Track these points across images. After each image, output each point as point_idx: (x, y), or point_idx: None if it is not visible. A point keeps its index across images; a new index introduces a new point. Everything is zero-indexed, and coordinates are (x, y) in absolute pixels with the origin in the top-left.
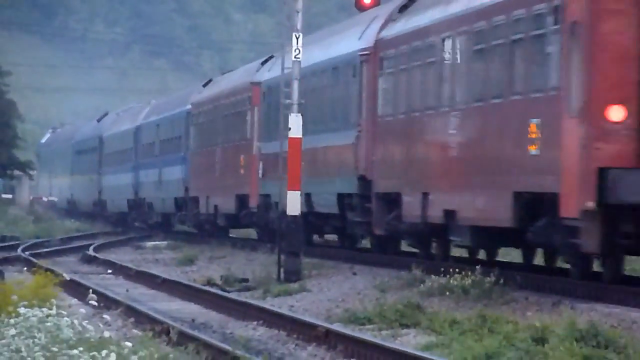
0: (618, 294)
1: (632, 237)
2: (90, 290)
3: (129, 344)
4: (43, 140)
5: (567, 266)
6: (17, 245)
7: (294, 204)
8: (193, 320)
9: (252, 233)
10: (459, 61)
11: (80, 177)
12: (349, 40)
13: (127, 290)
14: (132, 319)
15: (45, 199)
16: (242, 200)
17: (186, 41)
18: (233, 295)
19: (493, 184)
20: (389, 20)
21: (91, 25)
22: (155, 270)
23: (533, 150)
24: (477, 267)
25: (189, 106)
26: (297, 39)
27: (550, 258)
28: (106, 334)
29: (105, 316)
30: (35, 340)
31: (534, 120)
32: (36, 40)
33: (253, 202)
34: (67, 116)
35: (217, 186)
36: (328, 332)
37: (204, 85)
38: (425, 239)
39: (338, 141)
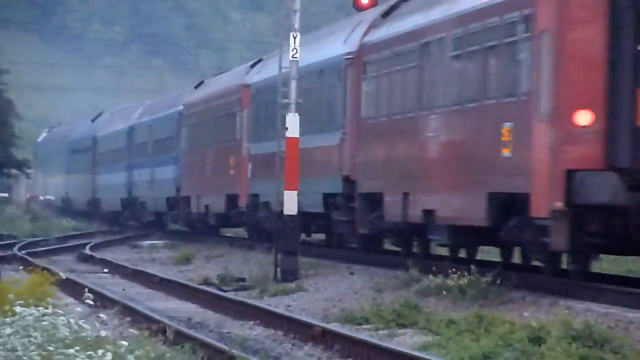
0: (614, 294)
1: (598, 235)
2: (87, 289)
3: (125, 343)
4: (40, 139)
5: (563, 265)
6: (14, 244)
7: (291, 203)
8: (189, 320)
9: (242, 232)
10: (437, 66)
11: (75, 176)
12: (335, 44)
13: (123, 289)
14: (128, 318)
15: (42, 197)
16: (232, 199)
17: (184, 40)
18: (230, 295)
19: (469, 184)
20: (373, 25)
21: (89, 24)
22: (151, 269)
23: (506, 152)
24: (472, 266)
25: (181, 107)
26: (294, 38)
27: (525, 256)
28: (102, 333)
29: (101, 315)
30: (31, 339)
31: (507, 123)
32: (34, 39)
33: (242, 202)
34: (65, 115)
35: (207, 186)
36: (325, 332)
37: (196, 87)
38: (406, 238)
39: (324, 142)
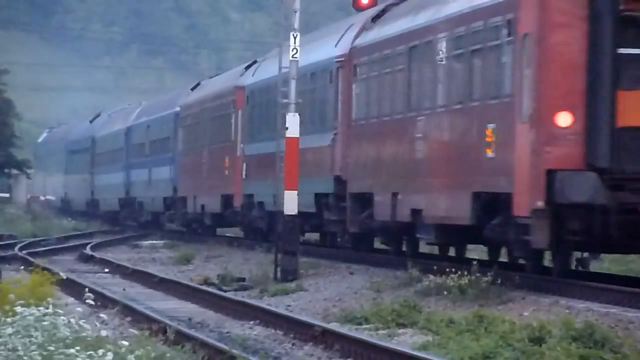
0: (615, 294)
1: (578, 233)
2: (87, 289)
3: (125, 343)
4: (40, 140)
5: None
6: (14, 244)
7: (291, 203)
8: (190, 320)
9: (241, 232)
10: (424, 69)
11: (73, 177)
12: (326, 47)
13: (124, 289)
14: (128, 318)
15: (42, 198)
16: (227, 199)
17: (184, 40)
18: (230, 295)
19: (455, 184)
20: (363, 29)
21: (89, 24)
22: (152, 269)
23: (489, 153)
24: (474, 264)
25: (177, 108)
26: (294, 38)
27: (511, 254)
28: (103, 333)
29: (102, 315)
30: (32, 339)
31: (490, 125)
32: (34, 39)
33: (237, 202)
34: (65, 115)
35: (203, 186)
36: (325, 332)
37: (192, 89)
38: (396, 237)
39: (316, 143)
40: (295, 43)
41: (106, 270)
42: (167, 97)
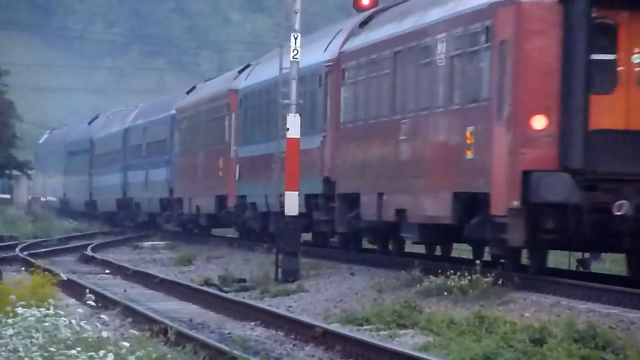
0: (616, 295)
1: (552, 232)
2: (88, 290)
3: (126, 344)
4: (41, 141)
5: (565, 266)
6: (15, 245)
7: (292, 204)
8: (191, 320)
9: (234, 232)
10: (408, 73)
11: (72, 178)
12: (316, 52)
13: (124, 290)
14: (129, 319)
15: (43, 199)
16: (221, 200)
17: (184, 41)
18: (231, 296)
19: (436, 185)
20: (351, 34)
21: (90, 25)
22: (153, 270)
23: (469, 155)
24: (477, 264)
25: (173, 111)
26: (295, 39)
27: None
28: (104, 334)
29: (103, 316)
30: (33, 340)
31: (470, 127)
32: (35, 40)
33: (231, 203)
34: (66, 116)
35: (198, 188)
36: (326, 333)
37: (188, 92)
38: (382, 236)
39: (306, 145)
40: (295, 44)
41: (107, 271)
42: (163, 99)
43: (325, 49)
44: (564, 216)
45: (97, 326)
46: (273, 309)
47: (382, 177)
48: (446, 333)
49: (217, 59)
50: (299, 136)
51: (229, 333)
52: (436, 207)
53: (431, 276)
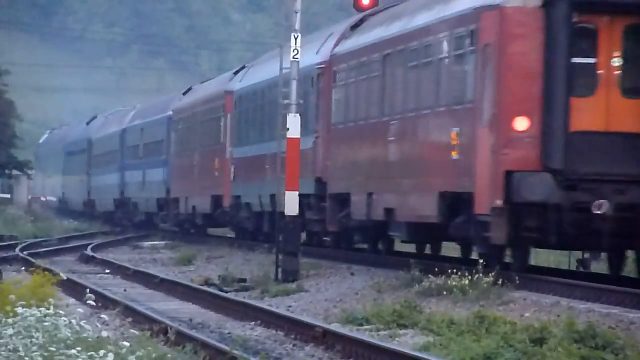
0: (617, 295)
1: (534, 230)
2: (88, 290)
3: (126, 344)
4: (41, 141)
5: (566, 266)
6: (16, 245)
7: (292, 204)
8: (191, 320)
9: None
10: (397, 76)
11: (71, 178)
12: (309, 54)
13: (125, 290)
14: (130, 319)
15: (43, 198)
16: (217, 200)
17: (185, 41)
18: (231, 296)
19: (423, 185)
20: (343, 37)
21: (90, 25)
22: (153, 270)
23: (454, 155)
24: (481, 263)
25: (170, 112)
26: (295, 39)
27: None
28: (104, 334)
29: (103, 316)
30: (33, 340)
31: (455, 129)
32: (35, 40)
33: (226, 203)
34: (66, 116)
35: (195, 188)
36: (326, 333)
37: (184, 94)
38: (372, 235)
39: (301, 146)
40: (296, 44)
41: (107, 271)
42: (160, 101)
43: (318, 52)
44: (545, 215)
45: (97, 326)
46: (273, 309)
47: (372, 178)
48: (446, 333)
49: (217, 59)
50: (299, 136)
51: (229, 333)
52: (423, 206)
53: (431, 276)
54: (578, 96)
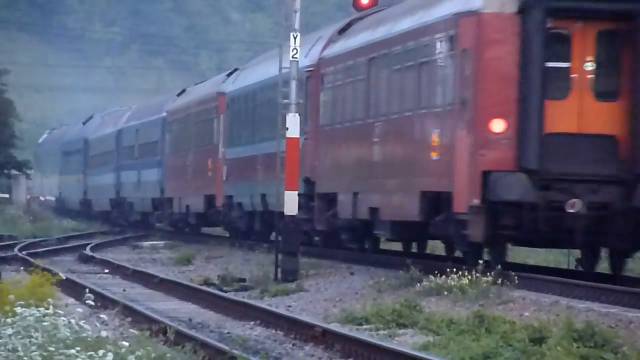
0: (615, 294)
1: (510, 228)
2: (87, 290)
3: (126, 343)
4: (40, 141)
5: (564, 266)
6: (14, 245)
7: (291, 203)
8: (190, 320)
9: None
10: (381, 79)
11: (68, 177)
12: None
13: (124, 290)
14: (129, 319)
15: (42, 198)
16: (210, 200)
17: (184, 41)
18: (230, 295)
19: (406, 184)
20: (330, 41)
21: (89, 25)
22: (152, 269)
23: (434, 156)
24: (480, 263)
25: (164, 113)
26: (294, 38)
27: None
28: (103, 333)
29: (102, 316)
30: (32, 339)
31: (435, 130)
32: (34, 39)
33: (219, 202)
34: (65, 116)
35: (188, 187)
36: (325, 332)
37: (178, 95)
38: (357, 234)
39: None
40: (295, 43)
41: (106, 270)
42: (155, 102)
43: (307, 55)
44: (520, 214)
45: (96, 326)
46: (273, 309)
47: (357, 177)
48: (446, 332)
49: (216, 59)
50: (298, 135)
51: (228, 332)
52: (405, 205)
53: (430, 276)
54: (552, 99)
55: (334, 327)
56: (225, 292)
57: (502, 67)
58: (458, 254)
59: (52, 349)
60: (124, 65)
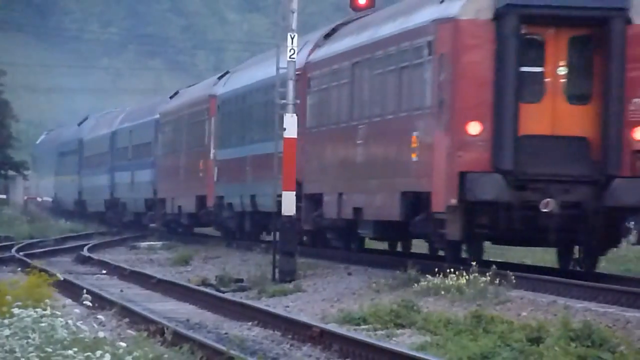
0: (613, 293)
1: (486, 227)
2: (85, 291)
3: (123, 344)
4: (38, 142)
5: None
6: (12, 246)
7: (289, 204)
8: (188, 321)
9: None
10: (364, 83)
11: (63, 178)
12: (284, 61)
13: (121, 291)
14: (126, 319)
15: (39, 199)
16: (201, 200)
17: (181, 41)
18: (228, 296)
19: (387, 185)
20: (317, 45)
21: (86, 25)
22: (149, 270)
23: (414, 157)
24: (474, 265)
25: (157, 115)
26: (292, 39)
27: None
28: (100, 334)
29: (99, 316)
30: (30, 340)
31: (415, 133)
32: (31, 40)
33: (210, 203)
34: (62, 116)
35: (180, 188)
36: (323, 332)
37: (171, 97)
38: (342, 233)
39: (278, 149)
40: (292, 44)
41: (104, 271)
42: (148, 104)
43: None
44: (496, 213)
45: (93, 326)
46: (270, 309)
47: (342, 178)
48: (443, 332)
49: (213, 59)
50: (295, 136)
51: (226, 333)
52: (387, 205)
53: (428, 276)
54: (526, 102)
55: (332, 327)
56: (223, 292)
57: (479, 72)
58: (442, 252)
59: (49, 349)
60: (121, 65)
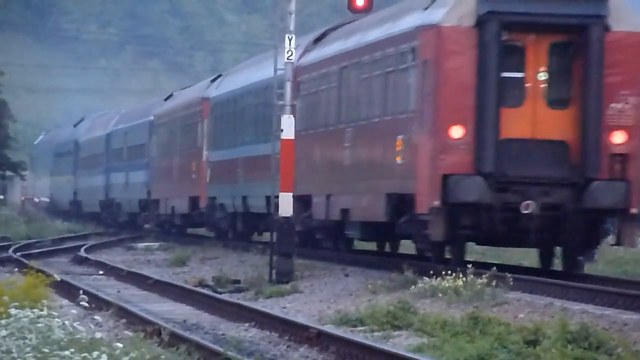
0: (610, 296)
1: (468, 228)
2: (82, 291)
3: (120, 345)
4: (36, 142)
5: (560, 267)
6: (9, 246)
7: (286, 205)
8: (184, 322)
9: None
10: (351, 87)
11: (59, 178)
12: (281, 63)
13: (118, 291)
14: (123, 320)
15: (36, 199)
16: (194, 201)
17: (179, 42)
18: (225, 297)
19: (373, 187)
20: (307, 50)
21: (84, 26)
22: (146, 271)
23: (399, 160)
24: (470, 266)
25: (152, 117)
26: (290, 40)
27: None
28: (97, 335)
29: (96, 317)
30: (27, 341)
31: (400, 136)
32: (29, 40)
33: (202, 203)
34: (60, 117)
35: (174, 189)
36: (320, 334)
37: (165, 99)
38: (331, 234)
39: (267, 151)
40: (290, 45)
41: (101, 272)
42: (143, 106)
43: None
44: (478, 214)
45: (90, 327)
46: (267, 310)
47: (330, 180)
48: (440, 334)
49: (211, 60)
50: (293, 137)
51: (223, 334)
52: (373, 207)
53: (425, 277)
54: (507, 107)
55: (329, 328)
56: (220, 293)
57: (461, 77)
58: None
59: (46, 350)
60: (119, 66)
